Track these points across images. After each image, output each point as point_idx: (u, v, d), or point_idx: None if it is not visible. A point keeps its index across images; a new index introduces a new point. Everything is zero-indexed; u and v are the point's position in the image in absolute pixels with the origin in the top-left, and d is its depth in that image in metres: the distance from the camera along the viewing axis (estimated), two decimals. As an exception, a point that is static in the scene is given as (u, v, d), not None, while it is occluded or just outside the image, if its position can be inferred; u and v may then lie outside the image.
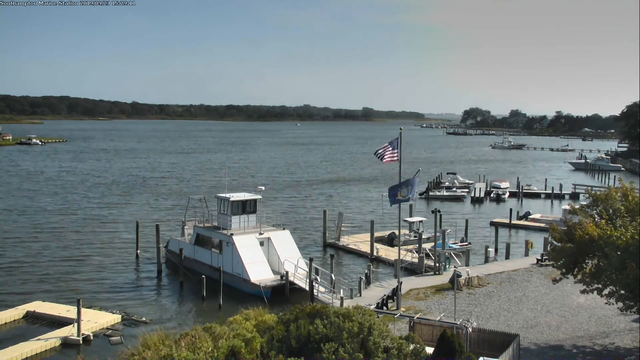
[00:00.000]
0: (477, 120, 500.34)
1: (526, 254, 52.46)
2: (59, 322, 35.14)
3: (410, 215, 61.30)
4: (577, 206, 33.30)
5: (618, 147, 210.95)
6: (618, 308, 30.20)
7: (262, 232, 45.09)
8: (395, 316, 31.11)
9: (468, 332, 27.05)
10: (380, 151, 37.44)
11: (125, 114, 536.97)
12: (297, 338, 21.68)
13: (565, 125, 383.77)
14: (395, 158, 37.13)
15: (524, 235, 64.25)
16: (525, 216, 73.56)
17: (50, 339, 32.22)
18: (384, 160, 37.66)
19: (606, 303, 31.17)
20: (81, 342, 32.49)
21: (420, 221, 58.39)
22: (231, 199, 45.61)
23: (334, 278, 40.25)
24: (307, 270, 41.03)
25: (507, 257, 51.45)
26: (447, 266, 46.31)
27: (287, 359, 20.64)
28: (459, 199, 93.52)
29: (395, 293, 37.22)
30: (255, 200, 47.04)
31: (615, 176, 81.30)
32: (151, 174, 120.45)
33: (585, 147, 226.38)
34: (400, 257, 42.44)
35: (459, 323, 27.65)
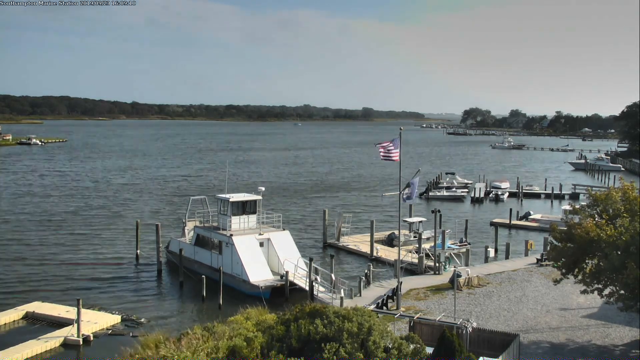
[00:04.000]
0: (477, 120, 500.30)
1: (526, 254, 52.43)
2: (58, 323, 35.12)
3: (410, 216, 61.28)
4: (577, 206, 33.26)
5: (618, 147, 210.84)
6: (618, 308, 30.19)
7: (261, 233, 45.06)
8: (395, 316, 31.11)
9: (468, 332, 27.04)
10: (382, 147, 37.48)
11: (125, 114, 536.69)
12: (298, 338, 21.70)
13: (565, 125, 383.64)
14: (396, 158, 37.15)
15: (524, 235, 64.23)
16: (526, 216, 73.52)
17: (50, 340, 32.20)
18: (382, 157, 37.87)
19: (606, 303, 31.17)
20: (81, 342, 32.48)
21: (420, 221, 58.36)
22: (231, 200, 45.57)
23: (334, 278, 40.24)
24: (307, 270, 41.02)
25: (507, 257, 51.43)
26: (446, 266, 46.30)
27: (287, 359, 20.66)
28: (458, 199, 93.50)
29: (395, 293, 37.22)
30: (255, 201, 47.01)
31: (615, 176, 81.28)
32: (151, 174, 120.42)
33: (585, 147, 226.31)
34: (400, 257, 42.43)
35: (459, 323, 27.63)
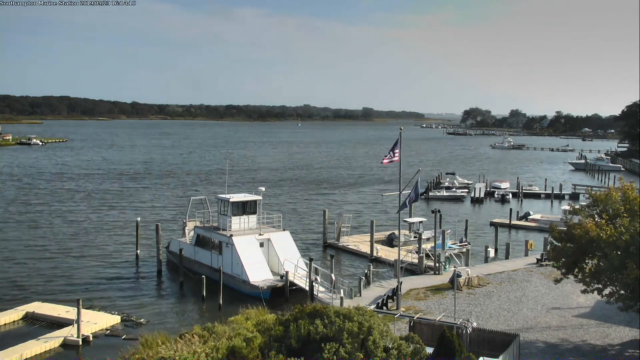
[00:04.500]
0: (477, 120, 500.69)
1: (526, 254, 52.44)
2: (58, 323, 35.09)
3: (410, 216, 61.29)
4: (577, 206, 33.26)
5: (618, 147, 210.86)
6: (618, 308, 30.20)
7: (262, 233, 45.06)
8: (395, 316, 31.11)
9: (468, 332, 27.04)
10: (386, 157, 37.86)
11: (125, 114, 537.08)
12: (298, 338, 21.70)
13: (565, 125, 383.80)
14: (396, 158, 37.18)
15: (524, 235, 64.23)
16: (525, 216, 73.53)
17: (50, 340, 32.18)
18: (384, 162, 38.14)
19: (607, 303, 31.17)
20: (81, 343, 32.46)
21: (420, 221, 58.35)
22: (231, 200, 45.57)
23: (334, 278, 40.23)
24: (307, 270, 41.02)
25: (507, 257, 51.44)
26: (446, 266, 46.30)
27: (287, 359, 20.65)
28: (458, 199, 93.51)
29: (395, 293, 37.22)
30: (255, 201, 47.01)
31: (615, 176, 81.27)
32: (152, 173, 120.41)
33: (585, 147, 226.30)
34: (400, 257, 42.43)
35: (459, 323, 27.63)
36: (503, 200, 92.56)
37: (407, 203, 40.15)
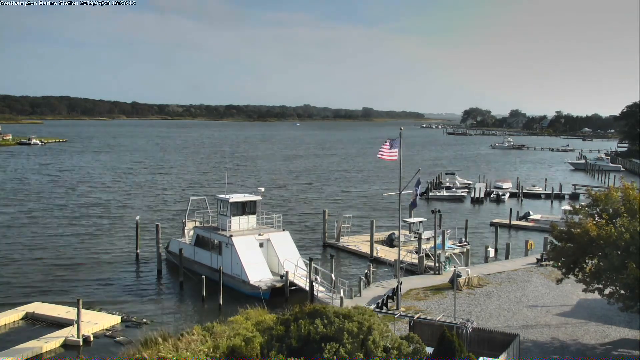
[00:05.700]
0: (477, 120, 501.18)
1: (526, 254, 52.44)
2: (58, 324, 35.10)
3: (410, 216, 61.27)
4: (577, 206, 33.26)
5: (618, 147, 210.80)
6: (618, 308, 30.20)
7: (261, 233, 45.06)
8: (395, 316, 31.13)
9: (468, 332, 27.04)
10: (381, 150, 37.79)
11: (125, 114, 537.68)
12: (298, 338, 21.71)
13: (565, 125, 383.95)
14: (395, 157, 37.18)
15: (524, 235, 64.22)
16: (525, 216, 73.53)
17: (50, 340, 32.17)
18: (379, 156, 38.21)
19: (607, 303, 31.19)
20: (81, 343, 32.46)
21: (420, 221, 58.35)
22: (231, 200, 45.57)
23: (334, 278, 40.22)
24: (307, 270, 41.01)
25: (507, 257, 51.44)
26: (446, 266, 46.30)
27: (287, 359, 20.66)
28: (458, 199, 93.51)
29: (395, 293, 37.22)
30: (255, 202, 47.02)
31: (615, 176, 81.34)
32: (151, 174, 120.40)
33: (585, 147, 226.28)
34: (400, 258, 42.41)
35: (459, 323, 27.64)
36: (498, 200, 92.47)
37: (415, 202, 41.21)
